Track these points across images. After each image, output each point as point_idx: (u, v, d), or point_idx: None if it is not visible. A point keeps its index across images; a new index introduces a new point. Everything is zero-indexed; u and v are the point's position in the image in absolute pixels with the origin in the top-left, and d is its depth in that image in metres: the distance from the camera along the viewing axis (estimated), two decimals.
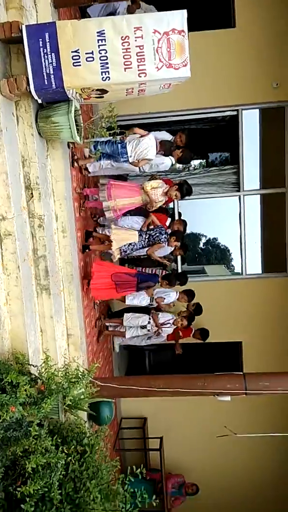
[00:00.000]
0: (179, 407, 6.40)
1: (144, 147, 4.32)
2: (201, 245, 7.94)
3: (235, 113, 5.96)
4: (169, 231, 4.92)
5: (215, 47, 5.70)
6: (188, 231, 5.53)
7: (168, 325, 5.32)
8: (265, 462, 6.32)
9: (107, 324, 5.40)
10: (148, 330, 5.31)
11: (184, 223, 5.16)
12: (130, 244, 4.69)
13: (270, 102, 5.82)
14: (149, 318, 5.22)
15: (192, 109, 5.95)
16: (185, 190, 4.63)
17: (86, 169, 4.62)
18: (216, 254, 7.78)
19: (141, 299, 5.03)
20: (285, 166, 5.96)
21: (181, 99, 5.61)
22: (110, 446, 5.11)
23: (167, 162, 4.74)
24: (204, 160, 7.42)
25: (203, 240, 7.89)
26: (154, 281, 4.94)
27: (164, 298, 5.11)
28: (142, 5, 5.20)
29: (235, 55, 5.68)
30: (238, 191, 6.16)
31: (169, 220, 5.25)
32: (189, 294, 5.29)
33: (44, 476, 2.90)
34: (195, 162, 7.13)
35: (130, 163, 4.36)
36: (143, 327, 5.29)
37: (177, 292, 5.25)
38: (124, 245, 4.67)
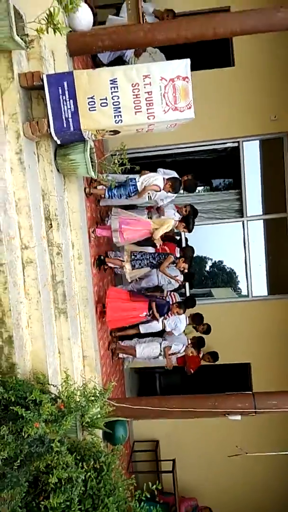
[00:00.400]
0: (190, 429, 6.49)
1: (152, 176, 4.71)
2: (207, 268, 8.17)
3: (236, 144, 6.34)
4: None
5: (216, 85, 6.13)
6: (194, 254, 5.78)
7: (179, 354, 5.52)
8: (278, 482, 6.32)
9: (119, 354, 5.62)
10: (159, 357, 5.52)
11: (191, 250, 5.43)
12: (142, 253, 4.95)
13: (269, 133, 6.20)
14: (161, 346, 5.40)
15: (196, 141, 6.33)
16: (191, 223, 4.95)
17: (98, 201, 4.96)
18: (223, 276, 8.00)
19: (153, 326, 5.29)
20: (285, 192, 6.26)
21: (186, 132, 5.98)
22: (124, 466, 5.20)
23: (171, 195, 5.06)
24: (208, 187, 7.79)
25: (209, 263, 8.13)
26: (167, 306, 5.15)
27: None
28: (148, 48, 5.66)
29: (234, 91, 6.10)
30: (242, 217, 6.46)
31: (177, 249, 5.51)
32: (198, 317, 5.51)
33: (65, 490, 3.07)
34: (199, 188, 7.48)
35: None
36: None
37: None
38: (135, 254, 4.92)
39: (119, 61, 5.50)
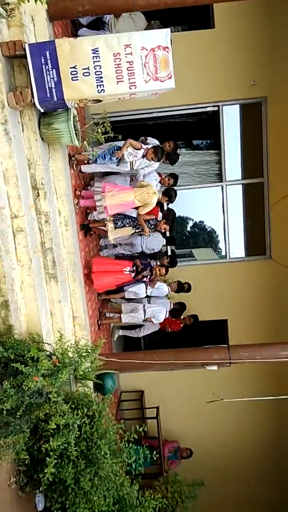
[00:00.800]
0: (172, 380, 7.05)
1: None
2: (188, 228, 8.44)
3: (216, 108, 6.42)
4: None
5: (196, 47, 6.11)
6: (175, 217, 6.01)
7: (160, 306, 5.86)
8: (251, 425, 7.02)
9: (106, 313, 5.94)
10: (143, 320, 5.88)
11: (173, 213, 5.65)
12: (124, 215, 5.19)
13: (248, 98, 6.30)
14: (144, 312, 5.72)
15: (177, 105, 6.37)
16: (173, 196, 5.15)
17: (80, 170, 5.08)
18: (204, 236, 8.28)
19: (138, 288, 5.59)
20: (263, 157, 6.47)
21: (167, 96, 5.89)
22: (113, 413, 5.69)
23: (155, 165, 5.20)
24: (190, 148, 7.91)
25: (190, 223, 8.37)
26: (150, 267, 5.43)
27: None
28: None
29: (215, 54, 6.10)
30: (221, 181, 6.68)
31: (160, 214, 5.71)
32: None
33: (63, 435, 3.45)
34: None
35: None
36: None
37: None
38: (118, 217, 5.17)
39: (98, 22, 5.40)
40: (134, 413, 7.00)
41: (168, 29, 3.65)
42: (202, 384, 6.60)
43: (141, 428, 3.90)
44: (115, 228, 5.22)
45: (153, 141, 5.15)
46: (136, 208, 5.01)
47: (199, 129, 7.32)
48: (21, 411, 3.23)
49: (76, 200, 4.97)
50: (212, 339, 6.73)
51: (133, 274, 5.23)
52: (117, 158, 4.81)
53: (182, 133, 7.36)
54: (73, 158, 4.81)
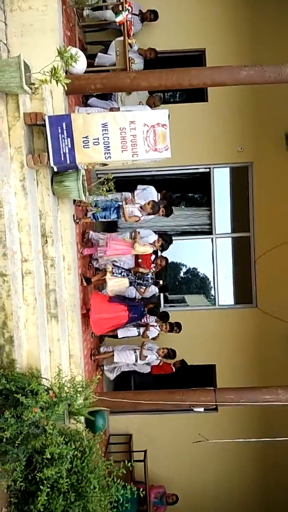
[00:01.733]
0: (161, 425, 7.22)
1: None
2: (181, 274, 8.92)
3: (207, 170, 7.15)
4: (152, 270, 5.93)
5: (191, 117, 6.91)
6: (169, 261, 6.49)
7: (151, 351, 6.21)
8: (238, 470, 7.10)
9: (101, 347, 6.28)
10: (135, 365, 6.21)
11: (165, 259, 6.12)
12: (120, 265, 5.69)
13: (236, 162, 7.05)
14: (135, 353, 6.08)
15: (173, 166, 7.07)
16: (167, 242, 5.71)
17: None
18: (196, 283, 8.74)
19: (131, 331, 6.00)
20: (249, 214, 7.12)
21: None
22: (103, 451, 5.81)
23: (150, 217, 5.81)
24: (183, 205, 8.61)
25: (183, 270, 8.87)
26: (140, 311, 5.84)
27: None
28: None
29: (207, 124, 6.90)
30: (211, 234, 7.28)
31: (153, 256, 6.21)
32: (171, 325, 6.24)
33: (56, 465, 3.69)
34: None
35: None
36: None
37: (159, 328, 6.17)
38: (116, 266, 5.66)
39: (107, 94, 6.17)
40: (122, 457, 7.06)
41: (167, 110, 4.35)
42: (189, 429, 6.77)
43: (129, 464, 4.13)
44: (112, 275, 5.69)
45: (150, 191, 5.76)
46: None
47: (192, 187, 8.05)
48: (19, 440, 3.51)
49: (81, 249, 5.51)
50: (201, 382, 7.00)
51: (130, 315, 5.62)
52: (117, 212, 5.41)
53: (177, 190, 8.06)
54: (78, 221, 5.38)
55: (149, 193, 5.84)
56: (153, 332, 6.11)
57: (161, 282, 5.98)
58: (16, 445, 3.52)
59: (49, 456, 3.62)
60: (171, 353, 6.14)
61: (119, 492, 4.17)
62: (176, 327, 6.18)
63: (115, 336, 6.18)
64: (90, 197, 5.06)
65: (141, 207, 5.60)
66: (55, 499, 3.78)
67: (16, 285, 4.08)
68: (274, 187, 6.97)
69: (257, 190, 7.05)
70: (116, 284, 5.51)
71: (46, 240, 4.56)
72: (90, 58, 6.22)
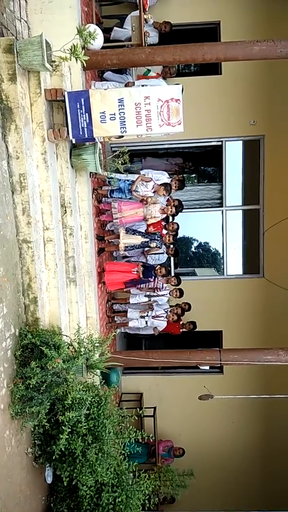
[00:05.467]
0: (170, 385, 7.73)
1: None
2: (192, 249, 9.22)
3: (220, 143, 7.30)
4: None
5: (205, 90, 7.01)
6: (180, 235, 6.77)
7: (162, 318, 6.60)
8: (241, 425, 7.64)
9: (115, 316, 6.71)
10: (146, 322, 6.60)
11: (177, 224, 6.33)
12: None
13: (248, 135, 7.18)
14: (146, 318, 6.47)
15: (186, 139, 7.25)
16: (179, 207, 5.95)
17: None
18: (207, 257, 9.05)
19: (140, 297, 6.39)
20: (260, 187, 7.31)
21: None
22: (117, 402, 6.31)
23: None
24: (196, 179, 8.82)
25: (194, 244, 9.16)
26: (151, 272, 6.19)
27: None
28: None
29: (221, 97, 7.01)
30: (221, 206, 7.52)
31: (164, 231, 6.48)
32: (181, 291, 6.60)
33: (76, 409, 4.16)
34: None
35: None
36: (143, 316, 6.57)
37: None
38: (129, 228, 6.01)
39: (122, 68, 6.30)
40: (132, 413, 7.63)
41: (181, 85, 4.53)
42: (196, 389, 7.20)
43: (140, 411, 4.60)
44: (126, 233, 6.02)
45: (160, 177, 6.00)
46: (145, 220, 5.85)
47: (205, 160, 8.22)
48: (44, 386, 3.97)
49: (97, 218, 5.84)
50: (208, 347, 7.41)
51: (140, 274, 5.98)
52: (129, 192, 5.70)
53: (190, 164, 8.25)
54: (95, 192, 5.66)
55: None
56: (163, 299, 6.49)
57: (171, 246, 6.26)
58: (41, 391, 3.99)
59: (70, 402, 4.08)
60: (183, 311, 6.48)
61: (131, 435, 4.67)
62: (185, 305, 6.55)
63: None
64: (106, 173, 5.33)
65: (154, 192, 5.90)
66: (74, 441, 4.28)
67: (39, 251, 4.46)
68: (285, 161, 7.12)
69: (268, 163, 7.21)
70: (128, 238, 5.84)
71: (65, 210, 4.90)
72: (106, 32, 6.32)
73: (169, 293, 6.50)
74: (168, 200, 6.11)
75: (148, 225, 6.06)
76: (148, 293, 6.33)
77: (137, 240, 5.96)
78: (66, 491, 4.61)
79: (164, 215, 5.91)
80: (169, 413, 7.73)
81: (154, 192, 5.78)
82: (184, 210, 6.42)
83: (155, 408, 7.40)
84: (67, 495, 4.64)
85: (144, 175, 5.86)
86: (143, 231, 6.07)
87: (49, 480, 4.77)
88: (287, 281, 7.12)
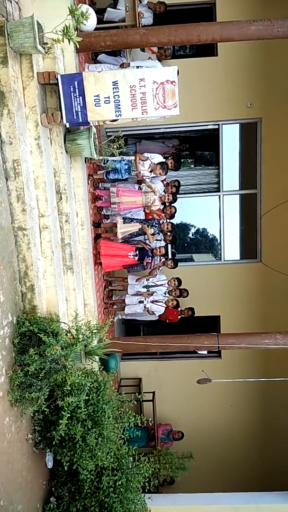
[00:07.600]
0: (168, 370, 7.79)
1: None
2: (190, 235, 9.20)
3: (216, 126, 7.21)
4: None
5: (201, 72, 6.89)
6: (177, 220, 6.77)
7: (161, 303, 6.60)
8: (239, 408, 7.74)
9: (113, 303, 6.70)
10: (145, 306, 6.59)
11: (174, 208, 6.29)
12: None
13: (245, 118, 7.08)
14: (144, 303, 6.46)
15: (182, 122, 7.15)
16: (179, 187, 5.94)
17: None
18: (204, 243, 9.04)
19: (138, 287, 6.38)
20: (257, 171, 7.25)
21: None
22: (116, 388, 6.35)
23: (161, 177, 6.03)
24: (193, 161, 8.73)
25: (192, 230, 9.14)
26: (147, 253, 6.16)
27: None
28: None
29: (217, 79, 6.89)
30: (218, 191, 7.46)
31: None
32: (179, 280, 6.59)
33: (75, 395, 4.18)
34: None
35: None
36: (141, 301, 6.56)
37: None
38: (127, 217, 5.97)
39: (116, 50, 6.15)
40: (132, 398, 7.71)
41: (176, 67, 4.43)
42: (195, 373, 7.25)
43: (139, 396, 4.63)
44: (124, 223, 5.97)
45: (153, 155, 5.94)
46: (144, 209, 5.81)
47: (201, 144, 8.12)
48: (43, 373, 3.97)
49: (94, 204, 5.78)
50: (206, 332, 7.45)
51: (136, 258, 5.94)
52: (128, 173, 5.63)
53: (186, 147, 8.12)
54: (90, 177, 5.58)
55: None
56: (162, 289, 6.49)
57: (169, 233, 6.23)
58: (40, 378, 3.99)
59: (69, 388, 4.10)
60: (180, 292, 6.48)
61: (131, 420, 4.71)
62: (184, 291, 6.54)
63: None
64: (101, 157, 5.25)
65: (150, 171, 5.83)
66: (74, 426, 4.30)
67: (35, 238, 4.41)
68: (282, 144, 7.05)
69: (265, 147, 7.13)
70: (126, 227, 5.80)
71: (61, 197, 4.83)
72: (99, 13, 6.15)
73: (167, 283, 6.49)
74: (166, 186, 6.06)
75: (147, 213, 6.02)
76: (146, 283, 6.33)
77: (135, 227, 5.92)
78: (66, 475, 4.66)
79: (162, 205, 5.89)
80: (168, 397, 7.81)
81: (150, 171, 5.72)
82: (181, 195, 6.38)
83: (154, 392, 7.47)
84: (68, 479, 4.70)
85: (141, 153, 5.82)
86: (140, 218, 6.04)
87: (50, 465, 4.82)
88: (284, 266, 7.12)
